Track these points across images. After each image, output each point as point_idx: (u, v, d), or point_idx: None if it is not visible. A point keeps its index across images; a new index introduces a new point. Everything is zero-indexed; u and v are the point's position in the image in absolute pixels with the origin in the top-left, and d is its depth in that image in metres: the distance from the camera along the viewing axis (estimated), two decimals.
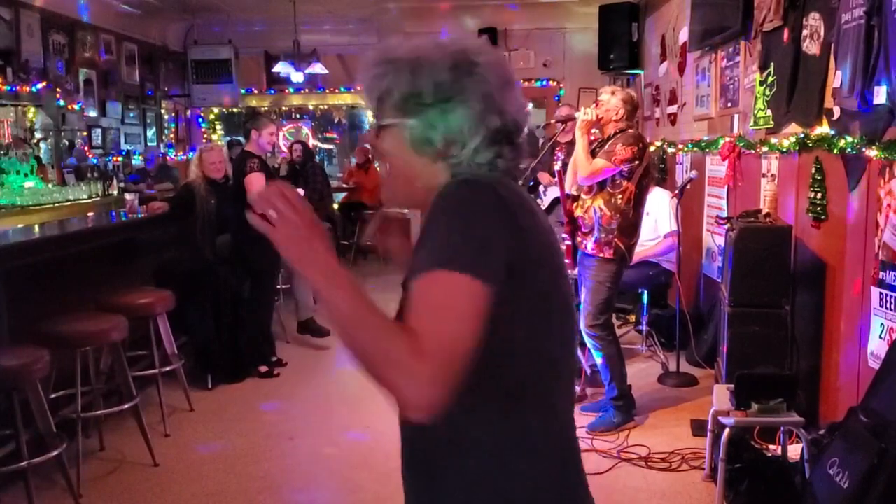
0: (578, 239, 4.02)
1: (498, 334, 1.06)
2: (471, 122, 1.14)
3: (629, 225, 3.96)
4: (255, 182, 4.75)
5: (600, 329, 3.99)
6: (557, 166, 4.59)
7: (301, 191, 5.10)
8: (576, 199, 4.09)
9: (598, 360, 4.10)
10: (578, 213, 4.04)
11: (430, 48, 1.16)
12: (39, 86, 6.87)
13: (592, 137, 4.14)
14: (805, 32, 3.68)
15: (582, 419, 4.15)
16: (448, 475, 1.16)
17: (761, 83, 4.26)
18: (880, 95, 2.89)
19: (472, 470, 1.15)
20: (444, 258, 1.03)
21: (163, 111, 9.61)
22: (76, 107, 7.52)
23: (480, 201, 1.08)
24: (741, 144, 4.63)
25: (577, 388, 4.51)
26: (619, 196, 3.92)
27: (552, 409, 1.19)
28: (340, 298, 1.03)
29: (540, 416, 1.17)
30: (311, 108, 10.67)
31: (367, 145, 1.40)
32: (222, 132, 10.52)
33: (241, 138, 9.76)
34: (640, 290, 5.20)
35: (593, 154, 4.00)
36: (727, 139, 4.82)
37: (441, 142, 1.15)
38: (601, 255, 3.92)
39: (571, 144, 6.41)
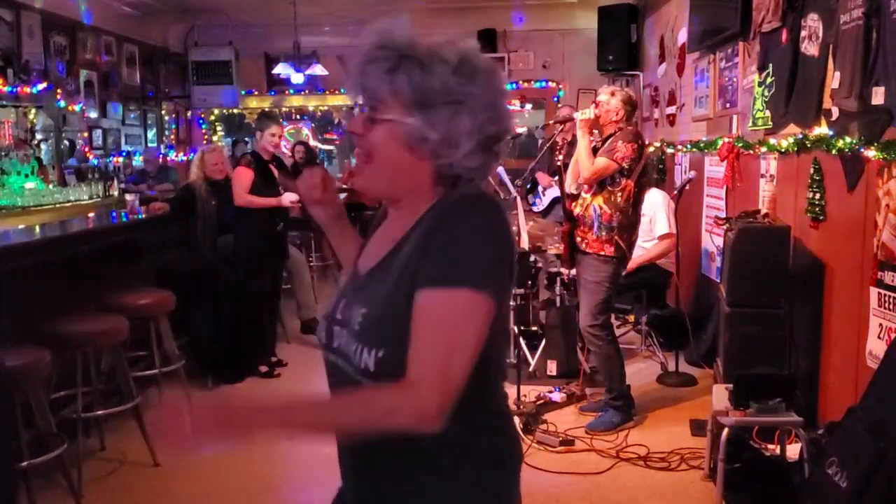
0: (578, 238, 4.04)
1: (491, 346, 1.18)
2: (471, 127, 1.16)
3: (629, 223, 3.97)
4: (239, 175, 4.79)
5: (599, 329, 4.00)
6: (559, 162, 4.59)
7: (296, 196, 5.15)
8: (575, 197, 4.11)
9: (597, 360, 4.11)
10: (578, 210, 4.05)
11: (435, 47, 1.17)
12: (40, 87, 6.87)
13: (592, 139, 4.16)
14: (804, 33, 3.69)
15: (581, 419, 4.16)
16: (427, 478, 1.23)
17: (760, 84, 4.26)
18: (878, 96, 2.90)
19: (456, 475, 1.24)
20: (467, 276, 1.12)
21: (163, 112, 9.62)
22: (77, 108, 7.53)
23: (495, 225, 1.17)
24: (740, 145, 4.64)
25: (576, 389, 4.52)
26: (619, 194, 3.93)
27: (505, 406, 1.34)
28: (302, 425, 1.19)
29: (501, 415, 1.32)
30: (311, 109, 10.68)
31: (349, 130, 1.33)
32: (223, 133, 10.53)
33: (246, 138, 9.85)
34: (638, 291, 5.21)
35: (593, 153, 4.01)
36: (726, 140, 4.82)
37: (437, 142, 1.17)
38: (602, 252, 3.93)
39: (572, 144, 6.43)
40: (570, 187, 4.19)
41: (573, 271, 4.33)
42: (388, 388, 1.12)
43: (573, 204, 4.09)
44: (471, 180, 1.23)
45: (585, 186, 4.02)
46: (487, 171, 1.24)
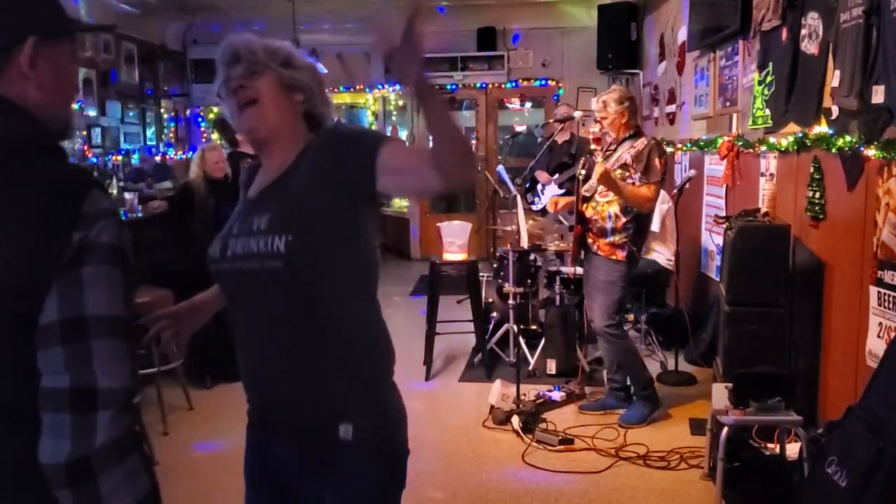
0: (590, 240, 4.00)
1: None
2: (321, 82, 1.69)
3: (642, 228, 3.98)
4: None
5: (614, 328, 4.00)
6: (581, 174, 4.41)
7: None
8: (587, 199, 4.05)
9: (617, 359, 4.08)
10: (589, 213, 4.01)
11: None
12: None
13: (608, 139, 4.13)
14: (803, 32, 3.68)
15: (581, 418, 4.16)
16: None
17: (760, 82, 4.26)
18: (879, 95, 2.90)
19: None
20: (381, 136, 1.59)
21: (162, 111, 9.61)
22: (75, 106, 7.52)
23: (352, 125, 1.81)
24: (740, 144, 4.64)
25: (576, 387, 4.52)
26: None
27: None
28: (439, 106, 1.46)
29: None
30: None
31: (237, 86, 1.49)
32: None
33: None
34: (638, 290, 5.20)
35: (607, 158, 3.99)
36: (726, 138, 4.82)
37: (306, 85, 1.64)
38: (613, 257, 3.92)
39: (573, 146, 6.43)
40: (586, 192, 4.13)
41: (579, 269, 4.32)
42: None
43: (585, 206, 4.05)
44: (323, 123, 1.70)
45: (602, 190, 3.97)
46: (330, 116, 1.73)
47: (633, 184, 3.87)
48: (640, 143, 3.91)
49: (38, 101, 1.19)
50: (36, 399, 1.10)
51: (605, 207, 3.95)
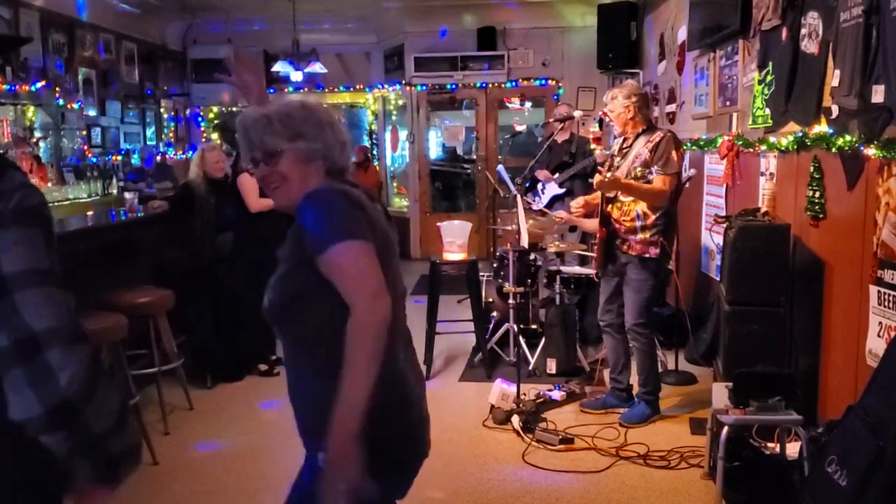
0: (619, 241, 3.98)
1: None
2: (329, 143, 1.75)
3: (671, 222, 3.98)
4: (247, 183, 4.74)
5: (643, 327, 4.01)
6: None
7: None
8: (612, 200, 4.03)
9: (639, 357, 4.09)
10: (615, 214, 3.99)
11: (283, 108, 1.77)
12: (39, 85, 6.87)
13: (620, 138, 4.13)
14: (803, 31, 3.69)
15: (581, 417, 4.16)
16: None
17: (760, 82, 4.26)
18: (878, 94, 2.90)
19: None
20: (341, 233, 1.59)
21: (162, 110, 9.62)
22: (75, 106, 7.53)
23: (334, 196, 1.67)
24: (740, 143, 4.64)
25: (576, 387, 4.52)
26: None
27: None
28: (357, 414, 1.55)
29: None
30: None
31: (260, 176, 1.88)
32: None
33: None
34: None
35: (624, 156, 3.99)
36: (726, 138, 4.82)
37: (323, 150, 1.74)
38: (647, 255, 3.91)
39: (572, 144, 6.41)
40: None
41: (578, 269, 4.31)
42: (348, 334, 1.54)
43: (610, 207, 4.02)
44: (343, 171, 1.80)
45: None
46: (349, 161, 1.84)
47: (652, 177, 3.88)
48: (657, 136, 3.92)
49: None
50: None
51: (631, 206, 3.93)
